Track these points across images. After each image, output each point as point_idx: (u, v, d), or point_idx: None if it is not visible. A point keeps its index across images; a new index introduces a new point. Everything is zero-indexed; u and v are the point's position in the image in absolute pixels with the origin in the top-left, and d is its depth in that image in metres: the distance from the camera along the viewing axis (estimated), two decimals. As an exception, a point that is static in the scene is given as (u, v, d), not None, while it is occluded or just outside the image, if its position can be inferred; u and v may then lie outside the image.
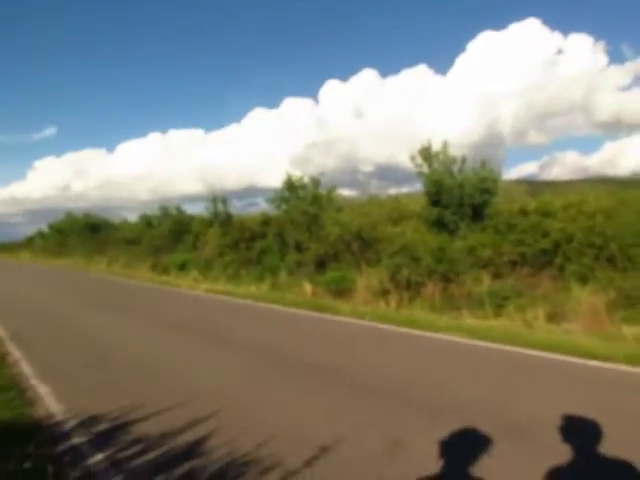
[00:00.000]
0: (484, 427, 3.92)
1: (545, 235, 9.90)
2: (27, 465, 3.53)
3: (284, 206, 16.00)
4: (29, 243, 49.92)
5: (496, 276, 10.22)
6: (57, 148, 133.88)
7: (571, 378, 5.51)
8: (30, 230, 55.40)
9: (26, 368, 6.45)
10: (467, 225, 11.27)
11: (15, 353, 7.31)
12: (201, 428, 4.19)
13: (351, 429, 4.11)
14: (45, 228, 44.69)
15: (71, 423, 4.49)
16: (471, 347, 7.01)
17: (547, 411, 4.29)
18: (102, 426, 4.37)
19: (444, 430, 3.91)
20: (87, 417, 4.57)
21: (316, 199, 15.20)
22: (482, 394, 4.93)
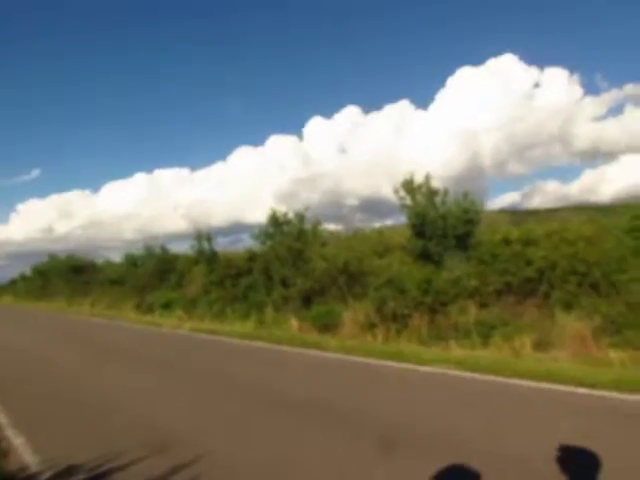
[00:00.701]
0: (475, 461, 3.83)
1: (529, 263, 9.94)
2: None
3: (269, 242, 15.95)
4: (12, 286, 49.14)
5: (482, 306, 10.21)
6: (41, 190, 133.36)
7: (561, 406, 5.45)
8: (13, 273, 54.49)
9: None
10: (451, 256, 11.30)
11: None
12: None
13: (337, 467, 3.99)
14: (28, 271, 44.07)
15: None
16: (459, 379, 6.93)
17: (539, 441, 4.23)
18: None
19: (434, 466, 3.81)
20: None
21: (301, 234, 15.19)
22: (472, 426, 4.84)
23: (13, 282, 49.83)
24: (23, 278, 45.55)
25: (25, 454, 4.83)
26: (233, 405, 6.24)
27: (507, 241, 10.76)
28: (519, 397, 5.94)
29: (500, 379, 6.65)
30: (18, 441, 5.22)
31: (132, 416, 6.00)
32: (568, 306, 9.13)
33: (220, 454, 4.48)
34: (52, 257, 36.55)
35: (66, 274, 31.71)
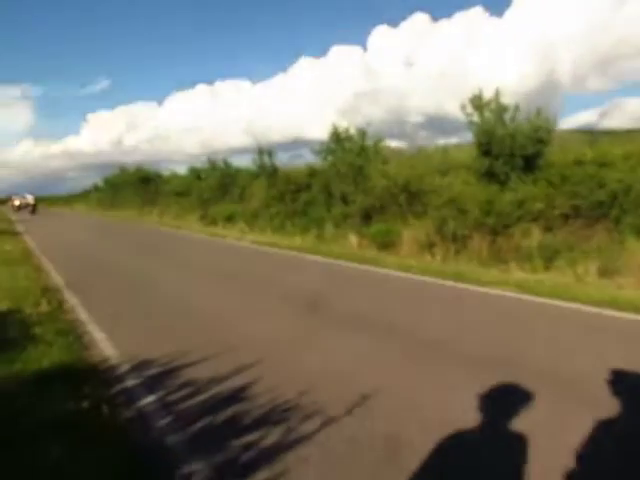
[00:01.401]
0: (529, 381, 3.89)
1: (601, 186, 9.43)
2: (84, 405, 3.75)
3: (330, 158, 15.84)
4: (85, 196, 51.82)
5: (547, 229, 9.90)
6: (110, 101, 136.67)
7: (622, 334, 5.35)
8: (86, 184, 57.32)
9: (82, 315, 6.80)
10: (518, 177, 10.86)
11: (72, 300, 7.71)
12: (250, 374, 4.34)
13: (397, 379, 4.16)
14: (100, 182, 46.19)
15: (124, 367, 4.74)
16: (518, 301, 6.88)
17: (595, 366, 4.21)
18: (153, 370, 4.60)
19: (488, 383, 3.90)
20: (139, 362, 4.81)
21: (362, 151, 14.97)
22: (529, 348, 4.86)
23: (86, 192, 52.52)
24: (96, 188, 47.84)
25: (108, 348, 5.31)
26: (288, 313, 6.51)
27: (580, 162, 10.20)
28: (578, 322, 5.86)
29: (560, 303, 6.56)
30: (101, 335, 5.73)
31: (200, 317, 6.41)
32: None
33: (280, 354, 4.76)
34: (122, 169, 37.98)
35: (135, 185, 33.00)
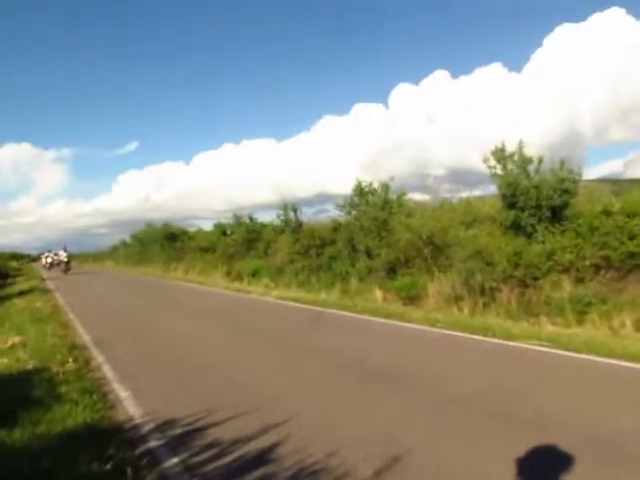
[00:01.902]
0: (565, 441, 3.70)
1: (632, 237, 9.24)
2: (108, 467, 3.69)
3: (354, 212, 15.94)
4: (113, 252, 52.88)
5: (577, 281, 9.67)
6: (139, 162, 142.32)
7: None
8: (114, 240, 58.62)
9: (108, 373, 6.79)
10: (545, 228, 10.74)
11: (98, 358, 7.72)
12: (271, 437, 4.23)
13: (423, 439, 4.00)
14: (128, 238, 47.15)
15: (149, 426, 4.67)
16: (551, 356, 6.65)
17: (635, 425, 3.99)
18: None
19: (522, 442, 3.73)
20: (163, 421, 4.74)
21: (386, 204, 15.04)
22: (564, 405, 4.65)
23: (115, 248, 53.60)
24: (124, 244, 48.80)
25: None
26: (316, 369, 6.39)
27: (607, 212, 10.05)
28: (616, 378, 5.61)
29: (597, 358, 6.31)
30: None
31: (224, 375, 6.33)
32: (676, 284, 8.44)
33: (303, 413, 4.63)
34: (149, 225, 38.71)
35: (162, 241, 33.55)
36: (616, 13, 61.32)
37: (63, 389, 5.77)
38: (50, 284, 24.73)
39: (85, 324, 11.01)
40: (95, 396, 5.57)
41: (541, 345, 7.13)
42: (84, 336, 9.59)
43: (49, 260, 42.20)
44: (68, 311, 13.49)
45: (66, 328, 10.49)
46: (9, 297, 17.87)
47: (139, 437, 4.45)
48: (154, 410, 5.07)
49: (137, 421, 4.86)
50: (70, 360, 7.20)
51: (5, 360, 7.37)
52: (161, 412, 4.98)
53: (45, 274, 35.56)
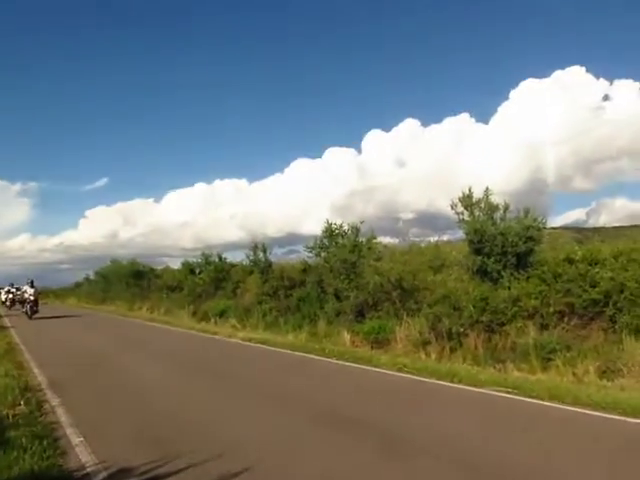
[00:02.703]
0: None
1: (594, 285, 9.45)
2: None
3: (323, 254, 15.95)
4: (76, 289, 51.44)
5: (542, 327, 9.77)
6: (108, 198, 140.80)
7: (627, 440, 5.10)
8: (78, 276, 57.19)
9: (62, 417, 6.47)
10: (511, 274, 10.91)
11: (53, 401, 7.36)
12: None
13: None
14: (92, 274, 45.99)
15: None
16: (516, 403, 6.63)
17: (603, 476, 3.96)
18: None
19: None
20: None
21: (355, 247, 15.11)
22: (528, 455, 4.60)
23: (77, 285, 52.20)
24: (87, 281, 47.55)
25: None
26: (281, 417, 6.22)
27: (571, 260, 10.29)
28: (581, 426, 5.61)
29: (561, 406, 6.31)
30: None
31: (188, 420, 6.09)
32: (638, 331, 8.60)
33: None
34: (114, 261, 37.93)
35: (127, 278, 32.86)
36: (577, 70, 64.53)
37: (12, 433, 5.45)
38: (6, 321, 23.83)
39: (41, 364, 10.54)
40: (46, 442, 5.25)
41: (507, 392, 7.11)
42: (39, 377, 9.17)
43: (9, 296, 34.15)
44: (24, 350, 12.94)
45: (20, 368, 10.03)
46: (-38, 334, 17.10)
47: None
48: (108, 457, 4.80)
49: (89, 469, 4.59)
50: (21, 402, 6.85)
51: (-49, 401, 6.96)
52: (116, 459, 4.72)
53: (2, 310, 33.20)
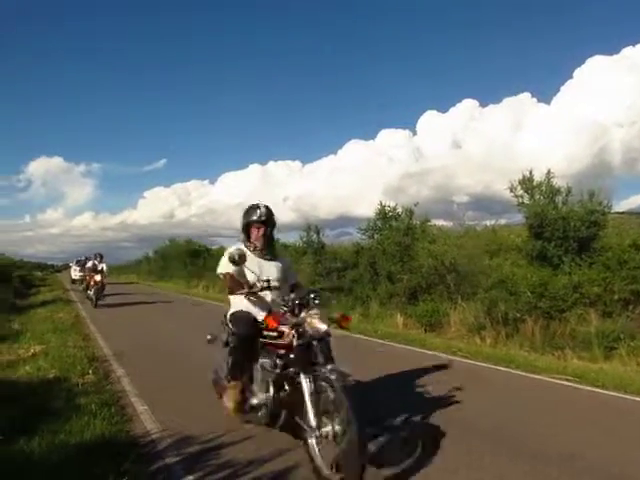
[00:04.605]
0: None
1: (663, 272, 9.05)
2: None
3: (376, 236, 15.92)
4: (137, 266, 53.47)
5: (605, 315, 9.45)
6: (166, 179, 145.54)
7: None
8: (137, 254, 59.28)
9: (127, 386, 6.79)
10: (572, 260, 10.56)
11: (119, 371, 7.73)
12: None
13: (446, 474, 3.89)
14: (151, 253, 47.67)
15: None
16: (579, 391, 6.46)
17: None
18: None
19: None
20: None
21: (409, 230, 14.99)
22: (591, 445, 4.49)
23: (138, 262, 54.24)
24: (147, 259, 49.35)
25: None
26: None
27: (637, 246, 9.85)
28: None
29: (626, 396, 6.11)
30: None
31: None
32: None
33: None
34: (172, 240, 39.14)
35: (184, 257, 33.84)
36: (649, 46, 60.56)
37: (82, 400, 5.77)
38: (73, 295, 25.00)
39: (106, 337, 11.06)
40: (113, 409, 5.56)
41: (567, 380, 6.93)
42: (104, 349, 9.63)
43: (79, 274, 28.74)
44: (89, 323, 13.60)
45: (87, 340, 10.57)
46: (32, 306, 18.13)
47: (155, 452, 4.42)
48: (171, 426, 5.03)
49: (154, 436, 4.82)
50: (90, 372, 7.23)
51: (27, 368, 7.44)
52: (179, 428, 4.94)
53: (69, 284, 33.91)
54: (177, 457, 4.28)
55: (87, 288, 19.84)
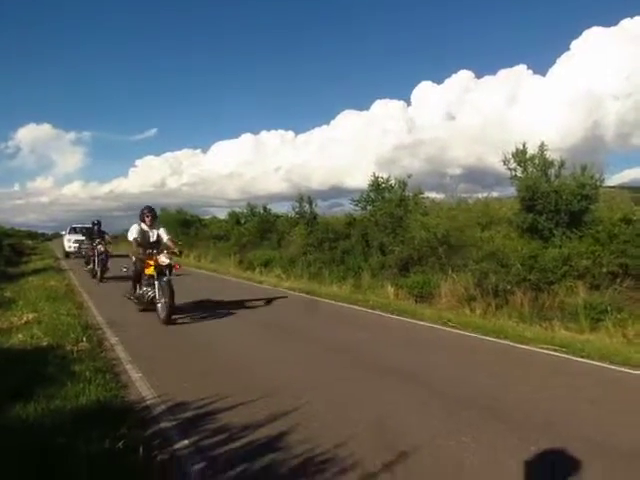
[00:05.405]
0: (577, 449, 3.68)
1: (652, 246, 9.16)
2: (120, 445, 3.72)
3: (369, 207, 15.93)
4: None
5: (593, 288, 9.59)
6: (157, 148, 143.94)
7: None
8: (129, 223, 58.82)
9: (121, 354, 6.85)
10: (563, 233, 10.65)
11: (113, 339, 7.78)
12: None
13: (430, 438, 4.00)
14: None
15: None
16: (565, 361, 6.61)
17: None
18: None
19: (531, 447, 3.72)
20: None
21: (402, 201, 15.00)
22: (575, 413, 4.62)
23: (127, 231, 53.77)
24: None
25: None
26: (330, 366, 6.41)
27: (628, 220, 9.94)
28: (630, 388, 5.56)
29: (610, 366, 6.26)
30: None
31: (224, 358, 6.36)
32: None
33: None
34: (163, 210, 38.75)
35: (175, 227, 33.63)
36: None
37: (77, 367, 5.82)
38: (64, 264, 24.91)
39: (98, 305, 11.10)
40: (108, 375, 5.62)
41: (554, 350, 7.08)
42: (97, 317, 9.67)
43: (74, 245, 26.45)
44: (82, 291, 13.60)
45: (80, 308, 10.59)
46: (24, 275, 18.06)
47: (150, 418, 4.49)
48: (165, 392, 5.10)
49: (149, 402, 4.90)
50: (84, 339, 7.27)
51: (20, 336, 7.45)
52: (173, 394, 5.01)
53: (60, 253, 31.87)
54: (172, 422, 4.35)
55: (88, 262, 17.79)
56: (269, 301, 12.03)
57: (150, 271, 9.33)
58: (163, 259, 9.15)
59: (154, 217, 10.18)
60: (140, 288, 9.86)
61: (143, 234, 9.75)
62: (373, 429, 4.18)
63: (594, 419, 4.48)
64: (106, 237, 17.42)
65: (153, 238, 9.90)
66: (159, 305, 9.15)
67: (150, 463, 3.54)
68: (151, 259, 9.28)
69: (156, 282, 9.23)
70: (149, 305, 9.54)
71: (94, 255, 16.77)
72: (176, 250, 9.68)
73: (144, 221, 9.85)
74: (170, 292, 8.83)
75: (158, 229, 10.08)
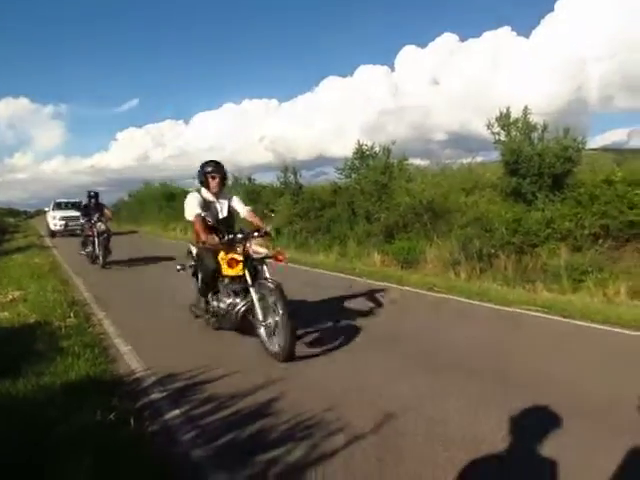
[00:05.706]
0: (556, 404, 3.81)
1: (632, 206, 9.26)
2: (112, 417, 3.77)
3: (354, 175, 15.88)
4: (115, 211, 52.43)
5: (575, 249, 9.73)
6: (138, 119, 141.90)
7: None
8: (112, 198, 58.12)
9: (109, 328, 6.88)
10: (546, 196, 10.73)
11: (100, 314, 7.79)
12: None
13: (416, 398, 4.11)
14: (126, 197, 46.81)
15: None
16: (547, 321, 6.77)
17: (628, 391, 4.10)
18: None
19: (515, 404, 3.84)
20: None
21: (387, 169, 14.96)
22: (556, 370, 4.76)
23: (116, 207, 53.25)
24: (123, 203, 48.49)
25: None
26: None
27: (609, 182, 10.03)
28: (610, 344, 5.73)
29: (591, 325, 6.44)
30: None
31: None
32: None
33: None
34: (147, 184, 38.46)
35: (160, 201, 33.39)
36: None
37: (65, 343, 5.84)
38: (47, 241, 24.66)
39: (84, 281, 11.06)
40: (97, 350, 5.65)
41: (537, 311, 7.24)
42: (84, 293, 9.65)
43: (59, 222, 24.90)
44: (67, 268, 13.51)
45: (66, 284, 10.55)
46: (7, 253, 17.88)
47: (141, 390, 4.55)
48: (154, 364, 5.15)
49: (139, 374, 4.95)
50: (71, 315, 7.27)
51: (6, 314, 7.44)
52: (162, 366, 5.06)
53: (43, 230, 30.90)
54: (163, 393, 4.42)
55: (85, 244, 14.41)
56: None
57: (236, 270, 5.62)
58: (257, 248, 5.61)
59: (223, 178, 6.27)
60: (214, 298, 6.09)
61: (208, 207, 6.14)
62: (358, 392, 4.28)
63: (572, 375, 4.62)
64: (106, 212, 14.29)
65: (223, 213, 6.27)
66: (262, 330, 5.37)
67: (143, 433, 3.61)
68: (234, 250, 5.64)
69: (251, 289, 5.48)
70: (235, 324, 5.85)
71: (93, 235, 13.57)
72: (268, 229, 5.93)
73: (208, 186, 6.17)
74: (285, 307, 5.05)
75: (229, 199, 6.43)
